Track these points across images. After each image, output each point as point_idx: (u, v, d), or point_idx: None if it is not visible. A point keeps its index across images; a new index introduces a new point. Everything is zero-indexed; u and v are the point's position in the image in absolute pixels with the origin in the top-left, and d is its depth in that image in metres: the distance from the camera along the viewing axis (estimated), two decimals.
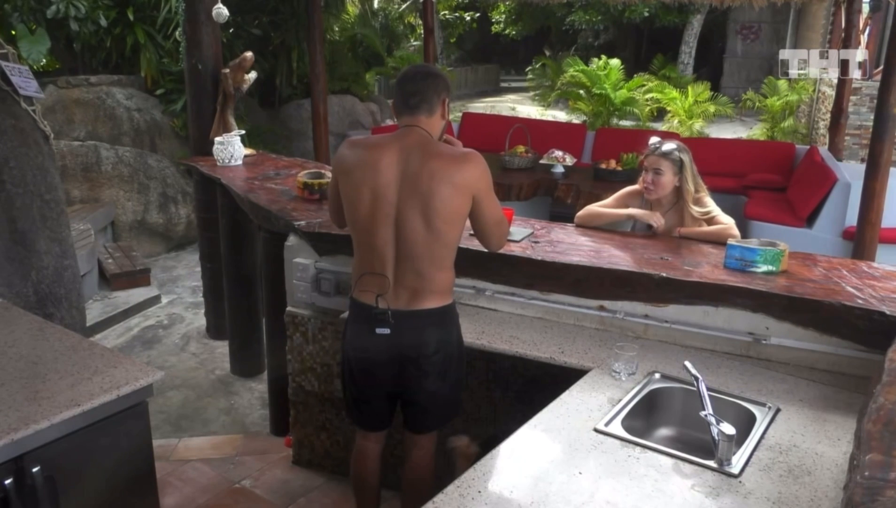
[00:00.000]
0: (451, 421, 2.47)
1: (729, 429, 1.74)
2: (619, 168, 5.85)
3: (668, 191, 3.04)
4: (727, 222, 2.94)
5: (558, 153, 6.34)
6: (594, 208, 3.14)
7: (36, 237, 3.12)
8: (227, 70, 4.19)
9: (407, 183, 2.13)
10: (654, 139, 3.15)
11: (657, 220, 2.97)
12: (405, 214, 2.14)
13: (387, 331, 2.20)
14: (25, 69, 3.16)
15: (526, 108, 16.79)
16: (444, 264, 2.24)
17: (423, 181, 2.11)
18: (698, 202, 3.05)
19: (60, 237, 3.26)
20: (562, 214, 5.73)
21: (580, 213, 3.14)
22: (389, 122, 9.19)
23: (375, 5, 11.33)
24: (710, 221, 2.99)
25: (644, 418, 2.12)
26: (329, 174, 3.46)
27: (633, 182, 3.16)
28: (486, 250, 2.48)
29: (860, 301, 2.24)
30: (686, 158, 3.02)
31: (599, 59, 12.62)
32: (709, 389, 1.88)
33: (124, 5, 6.66)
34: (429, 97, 2.21)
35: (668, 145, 3.04)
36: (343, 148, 2.26)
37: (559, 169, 6.16)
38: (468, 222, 2.28)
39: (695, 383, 1.88)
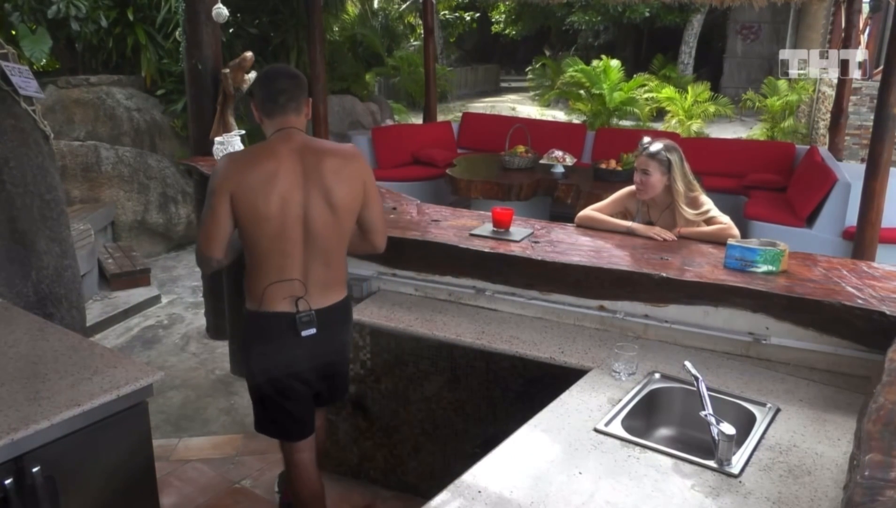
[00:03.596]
0: None
1: (729, 429, 1.74)
2: (619, 168, 5.84)
3: (658, 191, 3.04)
4: (726, 221, 2.94)
5: (558, 153, 6.34)
6: (594, 213, 3.13)
7: (36, 237, 3.12)
8: (227, 70, 4.19)
9: (310, 182, 2.22)
10: (644, 139, 3.14)
11: (661, 235, 2.95)
12: (313, 211, 2.23)
13: (313, 331, 2.27)
14: (25, 69, 3.16)
15: (526, 108, 16.79)
16: (343, 254, 2.38)
17: (325, 177, 2.23)
18: (693, 202, 3.04)
19: (60, 237, 3.26)
20: (562, 214, 5.73)
21: (580, 214, 3.14)
22: (389, 122, 9.19)
23: (375, 5, 11.33)
24: (709, 221, 2.99)
25: (644, 418, 2.12)
26: None
27: (632, 182, 3.16)
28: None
29: (860, 301, 2.24)
30: (674, 157, 3.01)
31: (599, 59, 12.62)
32: (709, 389, 1.88)
33: (124, 5, 6.66)
34: (296, 96, 2.28)
35: (656, 146, 3.03)
36: (227, 168, 2.19)
37: (559, 169, 6.16)
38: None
39: (695, 383, 1.88)
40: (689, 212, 3.00)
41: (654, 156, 3.00)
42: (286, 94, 2.26)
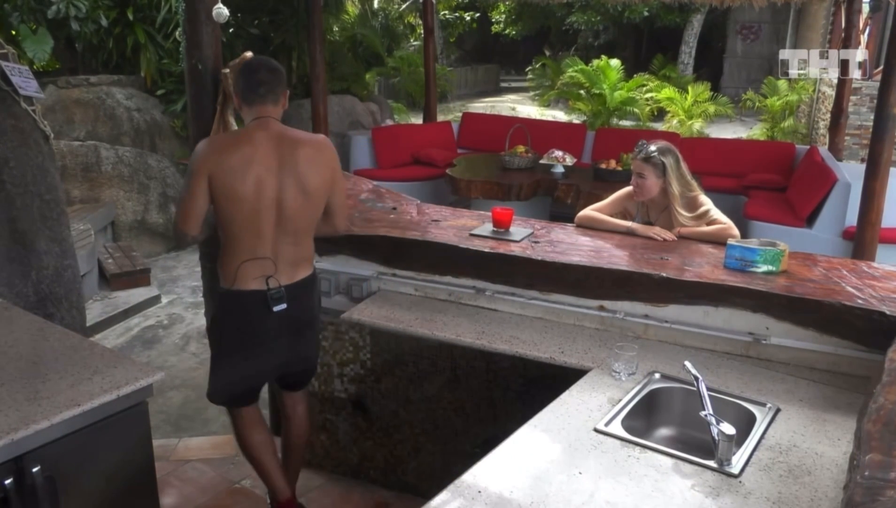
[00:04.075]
0: None
1: (729, 429, 1.74)
2: (619, 168, 5.84)
3: (655, 193, 3.05)
4: (726, 222, 2.94)
5: (558, 153, 6.34)
6: (594, 213, 3.14)
7: (36, 237, 3.11)
8: (227, 70, 4.18)
9: (285, 169, 2.39)
10: (640, 142, 3.15)
11: (661, 235, 2.95)
12: (286, 194, 2.39)
13: (284, 306, 2.45)
14: (25, 69, 3.16)
15: (526, 108, 16.79)
16: (311, 234, 2.55)
17: (299, 164, 2.40)
18: (691, 203, 3.05)
19: (60, 237, 3.25)
20: (562, 214, 5.73)
21: (580, 214, 3.14)
22: (389, 122, 9.19)
23: (375, 5, 11.33)
24: (709, 221, 2.99)
25: (644, 418, 2.12)
26: None
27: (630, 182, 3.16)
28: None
29: (860, 301, 2.24)
30: (669, 160, 3.01)
31: (599, 59, 12.62)
32: (709, 389, 1.88)
33: (124, 5, 6.66)
34: (275, 88, 2.45)
35: (650, 149, 3.04)
36: (207, 150, 2.36)
37: (559, 169, 6.16)
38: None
39: (695, 383, 1.88)
40: (684, 215, 3.01)
41: (648, 160, 3.02)
42: (266, 85, 2.42)
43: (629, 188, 3.14)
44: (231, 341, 2.51)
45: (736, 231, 2.88)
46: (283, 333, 2.52)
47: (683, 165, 3.07)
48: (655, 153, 3.01)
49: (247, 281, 2.42)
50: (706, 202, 3.04)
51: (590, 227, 3.08)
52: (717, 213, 2.99)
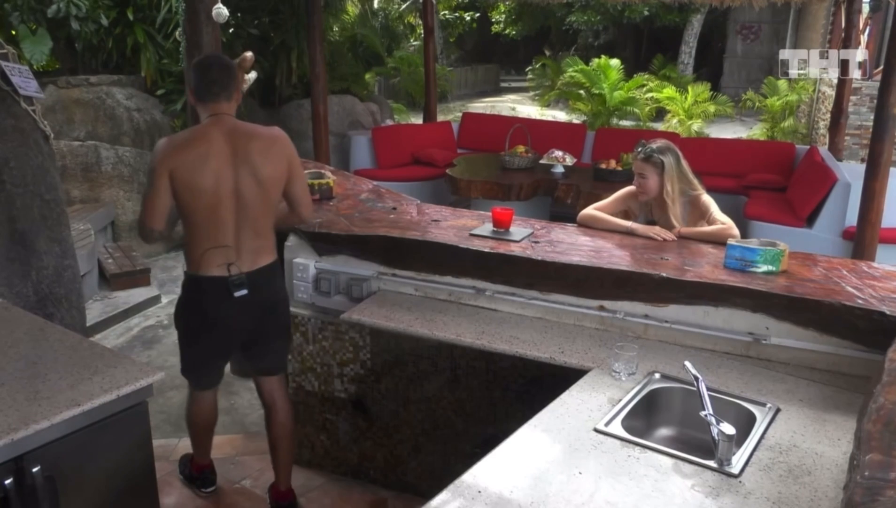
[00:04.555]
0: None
1: (729, 429, 1.74)
2: (619, 168, 5.84)
3: (657, 192, 3.07)
4: (726, 222, 2.94)
5: (558, 153, 6.34)
6: (596, 212, 3.14)
7: (36, 237, 3.12)
8: None
9: (240, 161, 2.52)
10: (639, 142, 3.18)
11: (661, 235, 2.96)
12: (243, 185, 2.53)
13: (245, 292, 2.58)
14: (25, 69, 3.16)
15: (526, 108, 16.79)
16: (271, 223, 2.68)
17: (254, 157, 2.53)
18: (694, 202, 3.06)
19: (60, 237, 3.25)
20: (562, 214, 5.73)
21: (583, 213, 3.15)
22: (389, 122, 9.18)
23: (375, 5, 11.32)
24: (710, 221, 2.99)
25: (644, 418, 2.12)
26: (329, 174, 3.46)
27: (632, 182, 3.16)
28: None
29: (860, 301, 2.24)
30: (668, 159, 3.03)
31: (599, 59, 12.61)
32: (709, 389, 1.88)
33: (124, 5, 6.65)
34: (227, 85, 2.57)
35: (650, 149, 3.06)
36: (166, 147, 2.50)
37: (559, 169, 6.16)
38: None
39: (695, 383, 1.88)
40: (677, 216, 3.03)
41: (647, 159, 3.04)
42: (218, 83, 2.55)
43: (632, 187, 3.15)
44: (194, 323, 2.69)
45: (736, 231, 2.88)
46: (246, 317, 2.66)
47: (685, 164, 3.07)
48: (655, 153, 3.03)
49: (209, 268, 2.56)
50: (709, 203, 3.04)
51: (591, 226, 3.08)
52: (718, 213, 3.00)
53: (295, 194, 2.67)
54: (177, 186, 2.47)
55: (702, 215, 3.03)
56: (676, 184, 3.03)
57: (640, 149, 3.10)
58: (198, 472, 3.06)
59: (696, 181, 3.10)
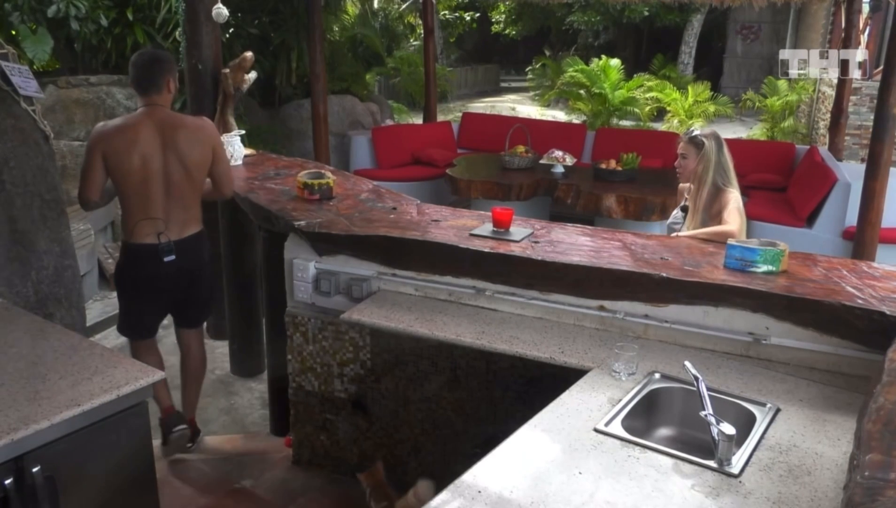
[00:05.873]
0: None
1: (729, 429, 1.74)
2: (619, 168, 5.84)
3: (693, 174, 3.16)
4: (730, 221, 2.94)
5: (558, 153, 6.34)
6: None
7: (36, 237, 3.11)
8: (227, 70, 4.18)
9: (168, 147, 2.96)
10: (689, 129, 3.35)
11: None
12: (171, 169, 2.98)
13: (173, 257, 3.02)
14: (25, 69, 3.16)
15: (526, 108, 16.78)
16: (198, 199, 3.14)
17: (180, 144, 2.97)
18: (720, 195, 3.08)
19: (60, 237, 3.25)
20: (562, 214, 5.74)
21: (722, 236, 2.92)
22: (389, 122, 9.19)
23: (375, 5, 11.32)
24: (721, 217, 3.02)
25: (644, 418, 2.12)
26: (329, 174, 3.47)
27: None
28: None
29: (860, 301, 2.24)
30: (710, 143, 3.11)
31: (599, 59, 12.61)
32: (709, 389, 1.88)
33: (124, 5, 6.65)
34: (156, 80, 2.97)
35: (696, 131, 3.21)
36: (99, 134, 2.93)
37: (559, 169, 6.16)
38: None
39: (695, 383, 1.88)
40: (702, 202, 3.09)
41: (692, 140, 3.15)
42: (146, 79, 2.97)
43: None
44: (130, 284, 3.14)
45: (734, 231, 2.87)
46: (174, 280, 3.10)
47: (727, 156, 3.14)
48: (699, 134, 3.15)
49: (141, 236, 3.00)
50: (731, 200, 3.05)
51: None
52: (730, 212, 3.00)
53: (218, 173, 3.14)
54: (109, 166, 2.91)
55: (719, 209, 3.03)
56: (711, 170, 3.09)
57: (689, 131, 3.24)
58: (165, 417, 3.30)
59: (732, 177, 3.14)
